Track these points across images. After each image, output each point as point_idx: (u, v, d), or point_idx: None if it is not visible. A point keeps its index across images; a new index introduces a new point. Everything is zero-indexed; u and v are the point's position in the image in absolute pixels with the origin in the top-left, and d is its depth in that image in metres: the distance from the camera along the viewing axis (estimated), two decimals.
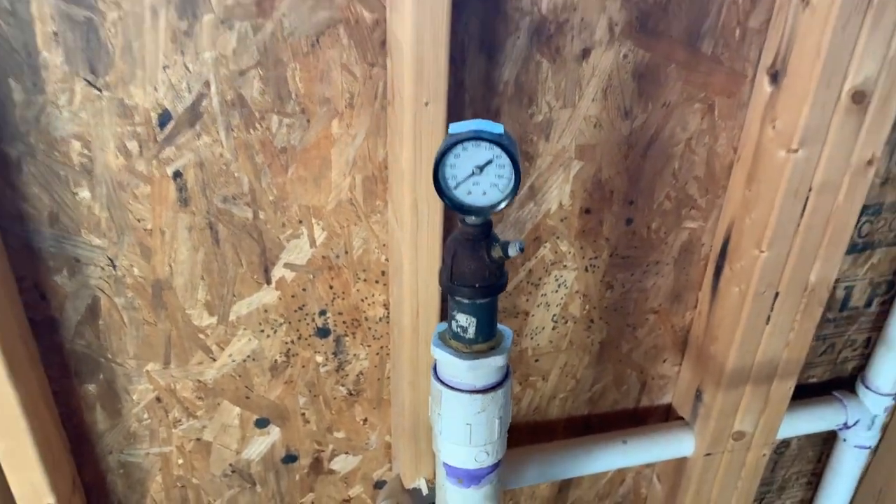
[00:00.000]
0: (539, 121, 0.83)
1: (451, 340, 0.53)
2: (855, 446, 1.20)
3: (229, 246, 0.82)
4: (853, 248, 1.07)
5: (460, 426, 0.54)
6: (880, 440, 1.21)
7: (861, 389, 1.16)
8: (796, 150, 0.83)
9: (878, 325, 1.15)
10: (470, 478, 0.57)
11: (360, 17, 0.73)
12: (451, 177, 0.48)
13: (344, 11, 0.72)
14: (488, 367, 0.53)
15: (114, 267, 0.80)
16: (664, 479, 1.18)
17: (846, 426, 1.16)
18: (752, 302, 0.93)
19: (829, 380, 1.21)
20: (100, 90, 0.70)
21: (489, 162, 0.48)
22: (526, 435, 1.09)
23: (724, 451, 1.08)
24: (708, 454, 1.08)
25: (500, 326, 0.55)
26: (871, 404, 1.15)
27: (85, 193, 0.75)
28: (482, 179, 0.48)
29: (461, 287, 0.51)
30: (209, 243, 0.81)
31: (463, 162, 0.48)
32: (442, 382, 0.54)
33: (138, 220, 0.78)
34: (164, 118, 0.73)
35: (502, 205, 0.49)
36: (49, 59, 0.68)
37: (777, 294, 0.94)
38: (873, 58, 0.79)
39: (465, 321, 0.52)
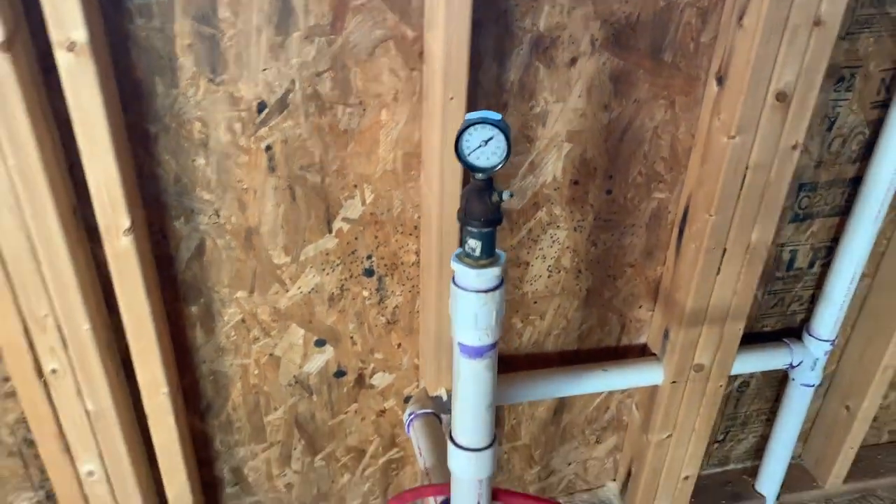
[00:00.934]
0: (537, 112, 1.10)
1: (465, 258, 0.80)
2: (801, 384, 1.45)
3: (303, 203, 1.10)
4: (795, 218, 1.32)
5: (470, 316, 0.81)
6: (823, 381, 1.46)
7: (806, 337, 1.41)
8: (734, 137, 1.08)
9: (821, 284, 1.39)
10: (476, 352, 0.83)
11: (405, 34, 0.99)
12: (466, 148, 0.75)
13: (393, 30, 0.98)
14: (489, 275, 0.79)
15: (218, 216, 1.08)
16: (641, 406, 1.44)
17: (792, 366, 1.42)
18: (704, 256, 1.19)
19: (781, 329, 1.46)
20: (217, 85, 0.97)
21: (491, 138, 0.74)
22: (526, 364, 1.36)
23: (687, 380, 1.34)
24: (674, 382, 1.34)
25: (497, 250, 0.81)
26: (813, 349, 1.40)
27: (201, 161, 1.03)
28: (486, 150, 0.75)
29: (472, 220, 0.77)
30: (288, 201, 1.09)
31: (474, 138, 0.74)
32: (458, 286, 0.81)
33: (238, 182, 1.05)
34: (262, 106, 1.00)
35: (499, 166, 0.75)
36: (183, 63, 0.95)
37: (725, 251, 1.19)
38: (792, 67, 1.04)
39: (474, 244, 0.78)
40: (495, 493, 0.98)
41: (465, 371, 0.86)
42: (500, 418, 1.42)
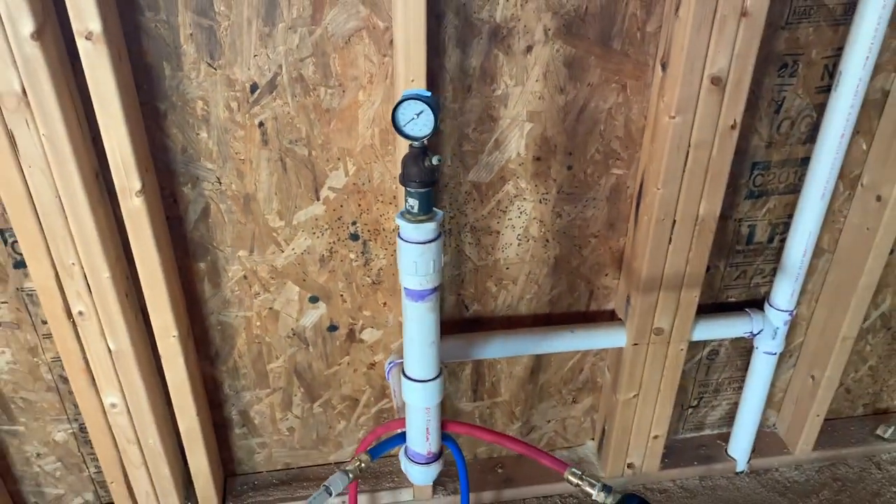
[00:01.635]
0: (499, 94, 1.24)
1: (406, 215, 0.95)
2: (764, 352, 1.55)
3: (293, 173, 1.26)
4: (750, 195, 1.42)
5: (411, 264, 0.95)
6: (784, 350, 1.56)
7: (766, 307, 1.52)
8: (675, 117, 1.20)
9: (780, 258, 1.49)
10: (418, 295, 0.98)
11: (377, 25, 1.14)
12: (402, 119, 0.90)
13: (366, 21, 1.14)
14: (426, 229, 0.94)
15: (219, 183, 1.25)
16: (611, 368, 1.57)
17: (753, 334, 1.52)
18: (655, 227, 1.31)
19: (746, 301, 1.57)
20: (215, 69, 1.14)
21: (422, 112, 0.89)
22: (502, 325, 1.50)
23: (648, 343, 1.46)
24: (635, 344, 1.46)
25: (435, 209, 0.95)
26: (773, 318, 1.50)
27: (204, 134, 1.20)
28: (418, 122, 0.89)
29: (410, 182, 0.92)
30: (280, 171, 1.25)
31: (408, 111, 0.89)
32: (402, 239, 0.96)
33: (236, 153, 1.22)
34: (254, 88, 1.16)
35: (428, 136, 0.90)
36: (186, 50, 1.12)
37: (674, 222, 1.31)
38: (724, 54, 1.15)
39: (412, 202, 0.93)
40: (444, 424, 1.13)
41: (410, 312, 1.01)
42: (480, 375, 1.57)
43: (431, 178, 0.92)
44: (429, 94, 0.89)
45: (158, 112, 1.16)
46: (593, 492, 1.02)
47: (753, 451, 1.72)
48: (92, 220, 1.13)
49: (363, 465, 1.09)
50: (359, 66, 1.17)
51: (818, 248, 1.51)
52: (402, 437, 1.16)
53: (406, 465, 1.17)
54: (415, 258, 0.96)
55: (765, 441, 1.76)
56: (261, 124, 1.20)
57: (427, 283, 0.98)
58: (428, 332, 1.02)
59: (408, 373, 1.06)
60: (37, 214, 1.12)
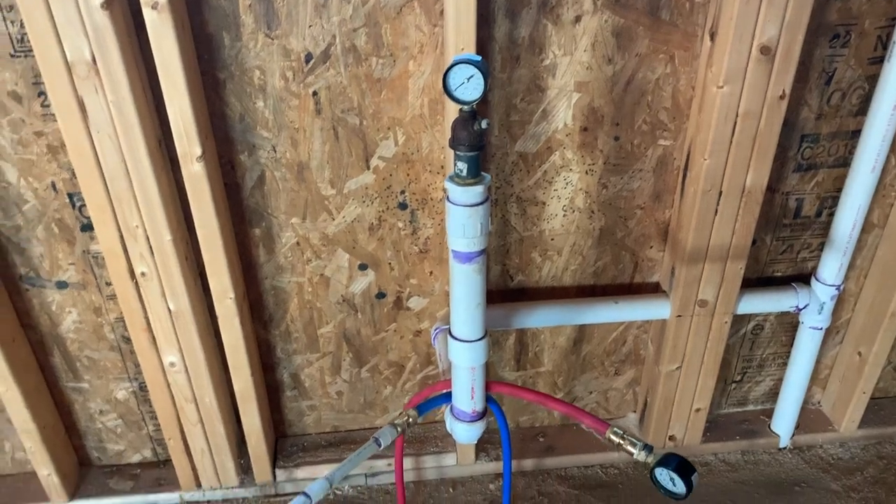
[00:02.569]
0: (547, 64, 1.25)
1: (455, 178, 0.97)
2: (810, 327, 1.55)
3: (345, 142, 1.30)
4: (798, 168, 1.42)
5: (459, 226, 0.98)
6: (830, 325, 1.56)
7: (813, 282, 1.51)
8: (722, 87, 1.21)
9: (829, 232, 1.49)
10: (465, 257, 1.01)
11: None
12: (452, 83, 0.92)
13: None
14: (474, 192, 0.97)
15: (275, 151, 1.29)
16: (654, 340, 1.58)
17: (799, 309, 1.52)
18: (701, 198, 1.32)
19: (792, 275, 1.56)
20: (272, 39, 1.18)
21: (472, 76, 0.91)
22: (546, 296, 1.52)
23: (692, 314, 1.47)
24: (679, 315, 1.47)
25: (483, 173, 0.98)
26: (819, 292, 1.50)
27: (260, 103, 1.24)
28: (469, 86, 0.92)
29: (459, 145, 0.95)
30: (332, 140, 1.29)
31: (458, 75, 0.91)
32: (450, 202, 0.99)
33: (290, 122, 1.27)
34: (308, 58, 1.20)
35: (478, 100, 0.92)
36: (245, 20, 1.17)
37: (721, 193, 1.32)
38: (773, 23, 1.15)
39: (461, 166, 0.96)
40: (488, 385, 1.16)
41: (457, 274, 1.04)
42: (523, 345, 1.60)
43: (480, 142, 0.95)
44: (479, 58, 0.92)
45: (218, 81, 1.21)
46: (634, 451, 1.05)
47: (797, 427, 1.72)
48: (155, 184, 1.19)
49: (411, 419, 1.13)
50: (410, 37, 1.20)
51: (868, 223, 1.49)
52: (447, 397, 1.20)
53: (451, 424, 1.20)
54: (463, 221, 0.99)
55: (809, 418, 1.75)
56: (314, 94, 1.24)
57: (474, 246, 1.01)
58: (474, 294, 1.05)
59: (455, 333, 1.10)
60: (104, 179, 1.18)
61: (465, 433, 1.19)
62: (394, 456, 1.50)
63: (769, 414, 1.75)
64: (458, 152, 0.96)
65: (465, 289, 1.05)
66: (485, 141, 0.95)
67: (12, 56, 1.15)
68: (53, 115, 1.19)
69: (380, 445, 1.07)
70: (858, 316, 1.61)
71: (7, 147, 1.23)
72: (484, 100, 1.25)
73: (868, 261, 1.55)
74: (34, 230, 1.32)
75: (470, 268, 1.02)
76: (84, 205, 1.29)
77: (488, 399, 1.26)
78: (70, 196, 1.29)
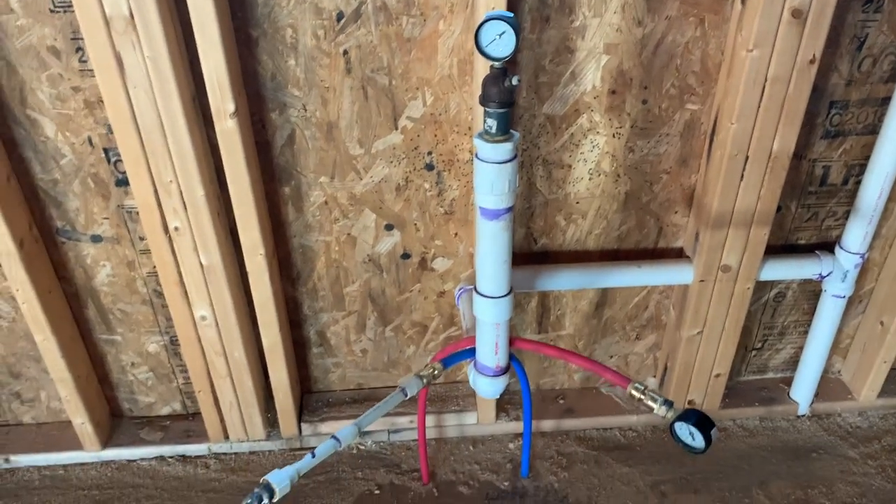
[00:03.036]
0: (576, 26, 1.26)
1: (484, 135, 0.99)
2: (833, 295, 1.55)
3: (374, 102, 1.31)
4: (826, 135, 1.41)
5: (487, 183, 1.00)
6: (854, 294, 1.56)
7: (837, 249, 1.51)
8: (752, 51, 1.20)
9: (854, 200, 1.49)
10: (493, 214, 1.03)
11: None
12: (484, 39, 0.94)
13: None
14: (503, 149, 0.98)
15: (305, 110, 1.31)
16: (676, 305, 1.60)
17: (822, 276, 1.52)
18: (727, 162, 1.32)
19: (817, 243, 1.56)
20: None
21: (504, 32, 0.92)
22: (570, 259, 1.54)
23: (715, 280, 1.48)
24: (702, 281, 1.48)
25: (512, 130, 0.99)
26: (843, 260, 1.50)
27: (292, 62, 1.26)
28: (500, 42, 0.93)
29: (489, 102, 0.96)
30: (361, 99, 1.31)
31: (490, 31, 0.93)
32: (479, 159, 1.00)
33: (321, 81, 1.28)
34: (340, 16, 1.22)
35: (509, 56, 0.93)
36: None
37: (747, 157, 1.32)
38: None
39: (491, 123, 0.97)
40: (511, 341, 1.19)
41: (484, 231, 1.06)
42: (546, 308, 1.62)
43: (510, 98, 0.96)
44: (511, 14, 0.93)
45: (251, 39, 1.23)
46: (655, 406, 1.07)
47: (816, 395, 1.73)
48: (189, 140, 1.22)
49: (436, 372, 1.16)
50: None
51: (894, 192, 1.49)
52: (472, 352, 1.23)
53: (475, 379, 1.23)
54: (491, 178, 1.00)
55: (828, 387, 1.76)
56: (345, 52, 1.25)
57: (502, 203, 1.03)
58: (501, 251, 1.07)
59: (480, 290, 1.12)
60: (139, 133, 1.21)
61: (489, 388, 1.21)
62: (416, 413, 1.54)
63: (788, 382, 1.76)
64: (487, 109, 0.97)
65: (491, 246, 1.06)
66: (515, 98, 0.97)
67: (52, 11, 1.17)
68: (91, 70, 1.22)
69: (406, 395, 1.11)
70: (882, 285, 1.61)
71: (46, 102, 1.26)
72: (513, 60, 1.26)
73: (893, 230, 1.55)
74: (70, 184, 1.36)
75: (497, 225, 1.04)
76: (119, 160, 1.32)
77: (511, 357, 1.29)
78: (105, 151, 1.32)
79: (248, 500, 0.90)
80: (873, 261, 1.60)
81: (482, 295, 1.12)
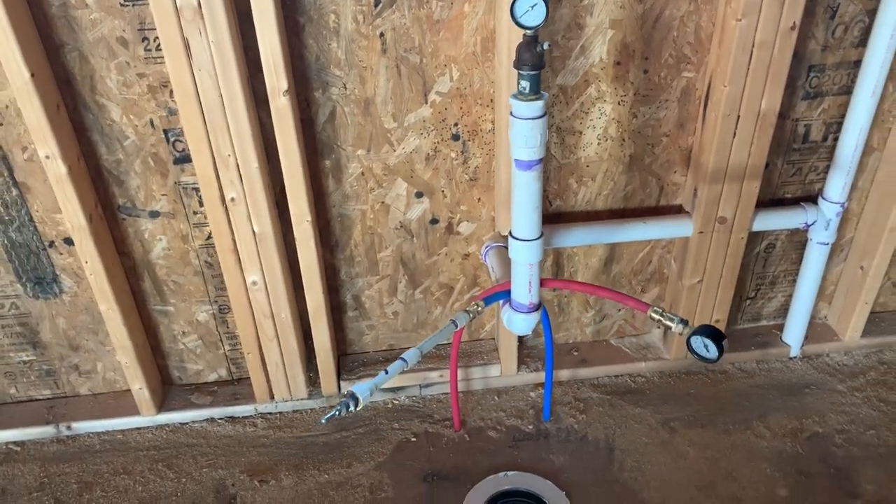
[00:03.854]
0: (585, 3, 1.42)
1: (518, 95, 1.15)
2: (817, 243, 1.73)
3: (406, 79, 1.47)
4: (806, 96, 1.59)
5: (522, 137, 1.16)
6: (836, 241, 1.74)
7: (820, 200, 1.69)
8: (741, 20, 1.38)
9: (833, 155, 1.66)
10: (526, 165, 1.19)
11: None
12: (518, 11, 1.10)
13: None
14: (535, 107, 1.14)
15: (345, 89, 1.47)
16: (677, 258, 1.76)
17: (807, 225, 1.70)
18: (721, 122, 1.50)
19: (801, 196, 1.74)
20: None
21: (535, 4, 1.09)
22: (581, 219, 1.70)
23: (713, 231, 1.65)
24: (701, 232, 1.65)
25: (542, 91, 1.16)
26: (826, 210, 1.68)
27: (334, 44, 1.41)
28: (532, 13, 1.09)
29: (523, 65, 1.12)
30: (396, 77, 1.46)
31: (523, 3, 1.09)
32: (514, 116, 1.16)
33: (359, 61, 1.44)
34: (377, 2, 1.37)
35: (540, 25, 1.10)
36: None
37: (739, 117, 1.49)
38: None
39: (524, 84, 1.13)
40: (542, 281, 1.35)
41: (519, 180, 1.22)
42: (560, 266, 1.78)
43: (541, 62, 1.12)
44: None
45: (298, 24, 1.38)
46: (672, 325, 1.23)
47: (806, 338, 1.91)
48: (246, 116, 1.36)
49: (479, 308, 1.32)
50: None
51: (868, 147, 1.67)
52: (507, 294, 1.38)
53: (510, 317, 1.39)
54: (525, 132, 1.16)
55: (817, 331, 1.94)
56: (381, 34, 1.41)
57: (534, 154, 1.19)
58: (533, 197, 1.23)
59: (515, 234, 1.28)
60: (202, 112, 1.36)
61: (523, 323, 1.37)
62: (445, 367, 1.69)
63: (781, 328, 1.93)
64: (521, 72, 1.13)
65: (525, 193, 1.23)
66: (544, 62, 1.13)
67: (122, 5, 1.32)
68: (154, 58, 1.37)
69: (456, 326, 1.26)
70: (861, 233, 1.79)
71: (113, 88, 1.40)
72: (545, 22, 1.42)
73: (869, 182, 1.73)
74: (133, 164, 1.50)
75: (530, 175, 1.20)
76: (178, 139, 1.46)
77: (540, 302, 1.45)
78: (165, 132, 1.47)
79: (338, 408, 1.05)
80: (852, 211, 1.78)
81: (517, 238, 1.28)
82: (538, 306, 1.38)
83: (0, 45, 1.25)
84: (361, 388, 1.08)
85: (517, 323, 1.38)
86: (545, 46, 1.11)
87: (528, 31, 1.11)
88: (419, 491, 1.64)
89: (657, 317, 1.26)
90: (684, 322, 1.23)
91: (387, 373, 1.14)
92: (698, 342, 1.18)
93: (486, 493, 1.61)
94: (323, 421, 1.05)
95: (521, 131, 1.16)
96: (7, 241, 1.56)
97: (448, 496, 1.62)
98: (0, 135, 1.42)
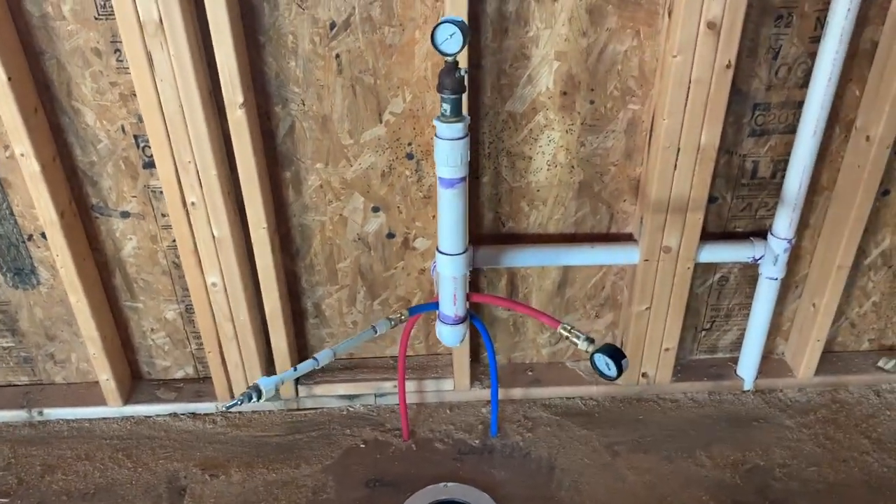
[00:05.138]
0: (531, 35, 1.50)
1: (441, 117, 1.23)
2: (767, 277, 1.76)
3: (361, 98, 1.56)
4: (753, 133, 1.63)
5: (444, 157, 1.23)
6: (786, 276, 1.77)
7: (769, 236, 1.72)
8: (676, 56, 1.44)
9: None
10: (449, 183, 1.26)
11: None
12: (439, 39, 1.17)
13: None
14: (456, 128, 1.22)
15: (303, 105, 1.56)
16: (628, 285, 1.81)
17: (755, 259, 1.73)
18: (662, 153, 1.55)
19: (752, 231, 1.77)
20: (303, 9, 1.45)
21: (454, 33, 1.16)
22: (533, 241, 1.76)
23: (658, 259, 1.69)
24: (646, 260, 1.69)
25: (464, 114, 1.23)
26: (774, 245, 1.71)
27: (292, 63, 1.51)
28: (451, 41, 1.16)
29: (444, 90, 1.19)
30: (351, 96, 1.55)
31: (443, 32, 1.16)
32: (437, 137, 1.24)
33: (317, 80, 1.53)
34: (332, 25, 1.47)
35: (457, 52, 1.17)
36: None
37: (679, 149, 1.55)
38: (718, 2, 1.38)
39: (445, 107, 1.21)
40: (468, 295, 1.41)
41: (443, 198, 1.29)
42: (514, 287, 1.84)
43: (460, 87, 1.20)
44: (460, 19, 1.17)
45: (259, 43, 1.48)
46: (578, 342, 1.28)
47: (761, 373, 1.93)
48: (205, 126, 1.46)
49: (402, 316, 1.38)
50: (416, 9, 1.45)
51: (819, 186, 1.70)
52: (435, 305, 1.45)
53: (439, 329, 1.45)
54: (447, 152, 1.24)
55: (772, 366, 1.96)
56: (337, 56, 1.50)
57: (456, 173, 1.26)
58: (456, 214, 1.30)
59: (441, 248, 1.35)
60: (164, 120, 1.46)
61: (450, 334, 1.43)
62: (397, 379, 1.76)
63: (736, 361, 1.96)
64: (443, 95, 1.21)
65: (449, 210, 1.29)
66: (464, 87, 1.20)
67: (96, 18, 1.43)
68: (126, 68, 1.47)
69: (376, 332, 1.33)
70: (813, 271, 1.82)
71: (88, 95, 1.52)
72: (477, 64, 1.51)
73: (820, 220, 1.76)
74: (105, 166, 1.61)
75: (453, 192, 1.27)
76: (147, 145, 1.57)
77: (474, 318, 1.51)
78: (136, 137, 1.57)
79: (241, 397, 1.12)
80: (805, 249, 1.81)
81: (443, 252, 1.34)
82: (464, 318, 1.44)
83: None
84: (266, 381, 1.15)
85: (444, 334, 1.44)
86: (463, 72, 1.19)
87: (448, 58, 1.18)
88: (360, 495, 1.69)
89: (566, 333, 1.31)
90: (590, 340, 1.28)
91: (295, 369, 1.21)
92: (601, 360, 1.23)
93: (424, 501, 1.67)
94: (224, 408, 1.13)
95: (444, 151, 1.23)
96: None
97: (387, 502, 1.68)
98: None
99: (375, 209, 1.70)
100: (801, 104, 1.59)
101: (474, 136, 1.59)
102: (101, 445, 1.83)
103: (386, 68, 1.52)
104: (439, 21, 1.17)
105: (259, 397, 1.14)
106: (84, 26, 1.44)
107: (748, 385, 1.93)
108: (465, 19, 1.38)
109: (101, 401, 1.88)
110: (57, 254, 1.62)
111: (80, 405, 1.89)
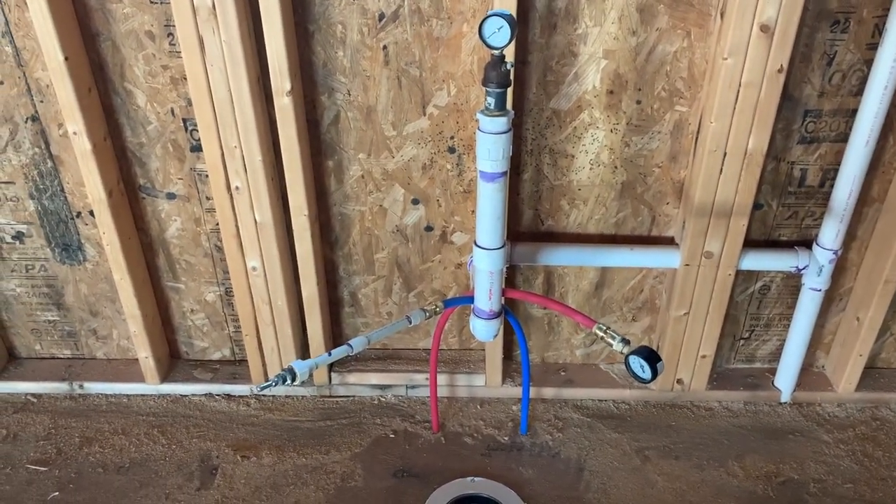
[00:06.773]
0: (580, 33, 1.49)
1: (484, 110, 1.23)
2: (810, 288, 1.72)
3: (406, 90, 1.56)
4: (802, 140, 1.60)
5: (486, 151, 1.23)
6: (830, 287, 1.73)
7: (814, 246, 1.69)
8: (727, 59, 1.41)
9: None
10: (490, 177, 1.26)
11: None
12: (486, 32, 1.17)
13: None
14: (500, 122, 1.21)
15: (349, 95, 1.57)
16: (667, 289, 1.79)
17: (798, 269, 1.70)
18: (708, 157, 1.53)
19: (797, 240, 1.74)
20: (353, 0, 1.46)
21: (502, 27, 1.16)
22: (572, 240, 1.75)
23: (699, 265, 1.67)
24: (687, 265, 1.67)
25: (508, 108, 1.22)
26: (819, 256, 1.67)
27: (340, 53, 1.52)
28: (499, 34, 1.16)
29: (489, 83, 1.19)
30: (396, 88, 1.56)
31: (491, 25, 1.16)
32: (480, 131, 1.23)
33: (363, 70, 1.54)
34: (381, 16, 1.47)
35: (505, 46, 1.17)
36: None
37: (725, 154, 1.52)
38: (772, 5, 1.35)
39: (490, 101, 1.21)
40: (504, 291, 1.40)
41: (483, 191, 1.29)
42: (550, 285, 1.83)
43: (506, 81, 1.19)
44: (508, 12, 1.16)
45: (308, 32, 1.49)
46: (613, 343, 1.27)
47: (799, 385, 1.89)
48: (252, 111, 1.48)
49: (437, 308, 1.39)
50: (465, 3, 1.45)
51: (869, 197, 1.66)
52: (471, 299, 1.45)
53: (473, 323, 1.45)
54: (489, 146, 1.23)
55: (812, 379, 1.92)
56: (384, 47, 1.51)
57: (497, 167, 1.25)
58: (496, 208, 1.30)
59: (478, 243, 1.35)
60: (213, 104, 1.48)
61: (483, 328, 1.43)
62: (429, 371, 1.76)
63: (774, 372, 1.92)
64: (488, 89, 1.21)
65: (488, 203, 1.29)
66: (509, 80, 1.20)
67: (151, 2, 1.46)
68: (177, 52, 1.50)
69: (410, 322, 1.33)
70: (859, 284, 1.77)
71: (140, 77, 1.55)
72: (524, 60, 1.50)
73: (869, 233, 1.72)
74: (154, 147, 1.64)
75: (493, 186, 1.27)
76: (195, 129, 1.60)
77: (509, 315, 1.51)
78: (184, 121, 1.60)
79: (275, 378, 1.14)
80: (852, 261, 1.76)
81: (480, 247, 1.34)
82: (498, 314, 1.43)
83: (40, 29, 1.40)
84: (301, 364, 1.16)
85: (478, 328, 1.44)
86: (510, 66, 1.18)
87: (495, 52, 1.18)
88: (388, 484, 1.71)
89: (601, 334, 1.30)
90: (626, 341, 1.26)
91: (329, 354, 1.22)
92: (636, 362, 1.22)
93: (450, 494, 1.67)
94: (258, 389, 1.14)
95: (486, 145, 1.23)
96: (41, 207, 1.72)
97: (414, 493, 1.68)
98: (40, 111, 1.59)
99: (415, 201, 1.71)
100: (853, 112, 1.55)
101: (517, 132, 1.59)
102: (138, 421, 1.86)
103: (432, 61, 1.52)
104: (487, 14, 1.17)
105: (293, 380, 1.15)
106: (139, 9, 1.47)
107: (785, 397, 1.89)
108: (514, 13, 1.38)
109: (139, 378, 1.92)
110: (104, 231, 1.66)
111: (120, 381, 1.93)
